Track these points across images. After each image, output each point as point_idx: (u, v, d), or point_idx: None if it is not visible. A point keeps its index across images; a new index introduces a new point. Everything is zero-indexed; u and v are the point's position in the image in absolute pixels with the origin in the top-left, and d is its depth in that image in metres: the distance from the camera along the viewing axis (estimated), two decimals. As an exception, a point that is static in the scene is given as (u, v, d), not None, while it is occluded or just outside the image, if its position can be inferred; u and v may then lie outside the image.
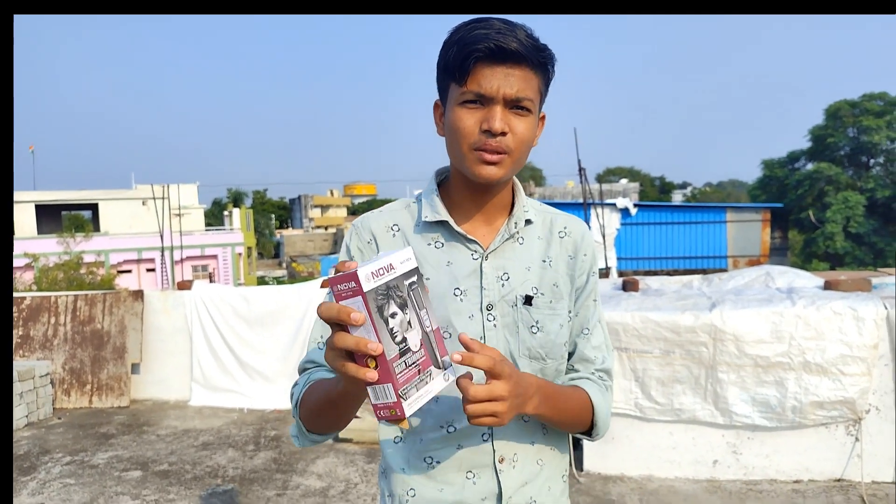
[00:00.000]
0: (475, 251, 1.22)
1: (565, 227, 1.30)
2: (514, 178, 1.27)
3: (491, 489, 1.21)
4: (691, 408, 4.17)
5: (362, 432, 5.20)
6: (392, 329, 0.90)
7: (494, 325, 1.20)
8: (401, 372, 0.90)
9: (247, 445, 5.32)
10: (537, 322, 1.22)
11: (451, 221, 1.21)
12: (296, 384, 1.24)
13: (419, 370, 0.94)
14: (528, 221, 1.27)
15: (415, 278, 0.96)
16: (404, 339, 0.92)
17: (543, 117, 1.23)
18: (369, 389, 0.91)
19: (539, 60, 1.11)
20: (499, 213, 1.25)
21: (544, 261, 1.26)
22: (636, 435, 4.34)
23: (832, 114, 31.28)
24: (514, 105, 1.11)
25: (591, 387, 1.27)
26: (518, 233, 1.26)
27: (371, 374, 0.87)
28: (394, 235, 1.24)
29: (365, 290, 0.86)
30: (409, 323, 0.93)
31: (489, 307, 1.20)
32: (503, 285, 1.21)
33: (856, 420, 4.03)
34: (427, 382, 0.95)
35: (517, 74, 1.09)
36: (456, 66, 1.10)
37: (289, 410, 6.29)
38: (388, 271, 0.91)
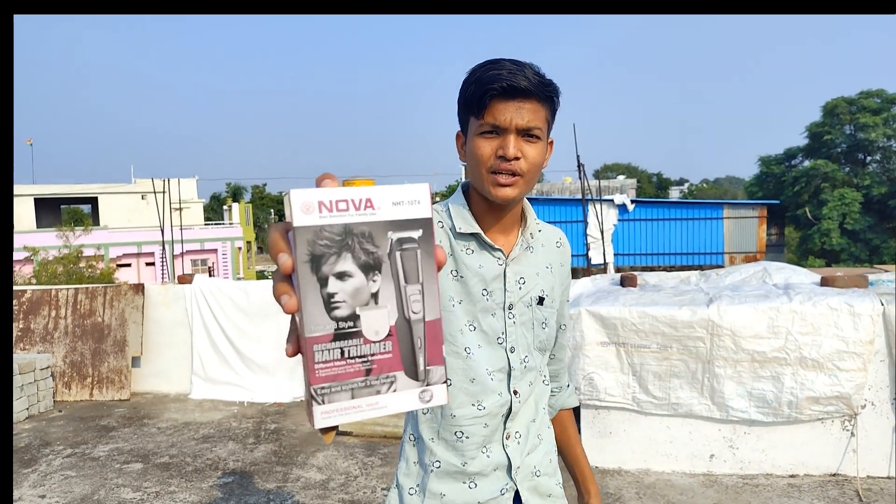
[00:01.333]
0: (499, 258, 1.40)
1: (560, 239, 1.55)
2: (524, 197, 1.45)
3: (501, 461, 1.40)
4: (688, 402, 4.21)
5: (362, 425, 5.24)
6: (331, 296, 0.58)
7: (514, 323, 1.39)
8: (326, 362, 0.59)
9: (247, 438, 5.36)
10: (545, 319, 1.45)
11: (483, 234, 1.38)
12: None
13: (369, 370, 0.61)
14: (538, 232, 1.48)
15: (415, 234, 0.62)
16: (351, 318, 0.59)
17: (551, 142, 1.41)
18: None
19: (546, 94, 1.30)
20: (513, 226, 1.44)
21: (547, 267, 1.48)
22: (633, 429, 4.38)
23: (829, 111, 31.31)
24: (525, 133, 1.30)
25: (570, 414, 1.71)
26: (531, 243, 1.46)
27: (290, 302, 0.57)
28: (441, 228, 1.40)
29: (295, 224, 0.57)
30: (372, 296, 0.60)
31: (510, 307, 1.39)
32: (520, 288, 1.41)
33: (851, 415, 4.07)
34: (380, 392, 0.61)
35: (527, 107, 1.28)
36: (474, 102, 1.29)
37: (289, 403, 6.33)
38: (356, 207, 0.59)
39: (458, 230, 1.38)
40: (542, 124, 1.30)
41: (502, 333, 1.38)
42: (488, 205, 1.38)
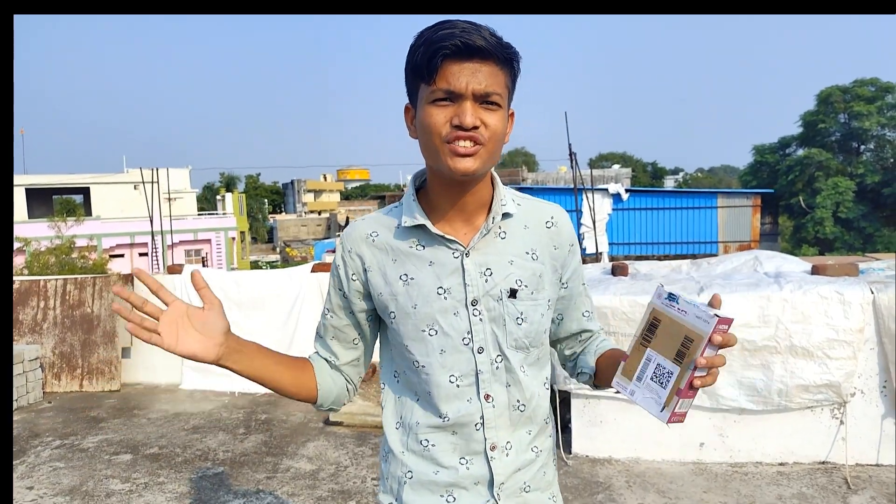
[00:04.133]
0: (456, 250, 1.25)
1: (552, 218, 1.34)
2: (493, 171, 1.29)
3: (483, 475, 1.28)
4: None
5: (352, 416, 5.22)
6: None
7: (480, 320, 1.25)
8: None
9: (237, 429, 5.34)
10: (522, 313, 1.27)
11: (429, 224, 1.24)
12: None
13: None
14: (506, 215, 1.29)
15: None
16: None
17: (512, 114, 1.26)
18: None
19: (505, 56, 1.15)
20: (479, 211, 1.28)
21: (527, 252, 1.29)
22: (623, 418, 4.38)
23: (823, 99, 31.35)
24: (484, 100, 1.14)
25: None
26: (499, 227, 1.29)
27: None
28: (373, 241, 1.30)
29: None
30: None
31: (474, 303, 1.24)
32: (486, 280, 1.25)
33: (841, 403, 4.07)
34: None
35: (485, 70, 1.13)
36: (424, 65, 1.13)
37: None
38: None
39: (403, 225, 1.26)
40: (501, 90, 1.15)
41: (467, 333, 1.24)
42: (447, 187, 1.23)
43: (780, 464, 4.18)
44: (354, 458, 4.61)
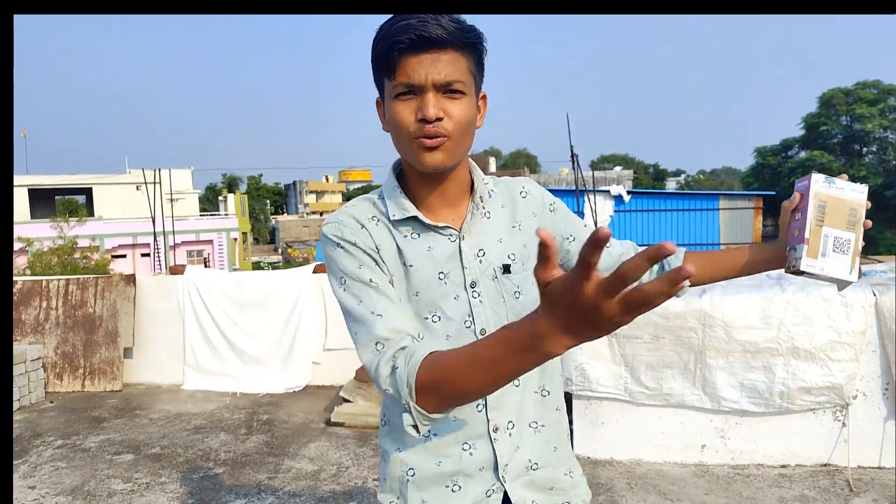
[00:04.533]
0: (450, 235, 1.26)
1: (524, 188, 1.37)
2: (468, 157, 1.29)
3: (487, 458, 1.24)
4: (680, 393, 4.20)
5: (353, 416, 5.23)
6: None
7: (480, 301, 1.24)
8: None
9: (239, 429, 5.34)
10: (518, 287, 1.27)
11: (420, 215, 1.24)
12: (389, 369, 1.10)
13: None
14: (489, 194, 1.31)
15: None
16: None
17: (484, 97, 1.26)
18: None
19: (465, 41, 1.14)
20: (461, 196, 1.29)
21: (513, 226, 1.31)
22: (625, 419, 4.37)
23: (825, 102, 31.32)
24: (446, 90, 1.14)
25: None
26: (483, 208, 1.30)
27: None
28: (377, 223, 1.25)
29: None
30: None
31: (473, 285, 1.24)
32: (481, 262, 1.26)
33: (843, 406, 4.07)
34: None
35: (444, 59, 1.12)
36: (383, 60, 1.14)
37: (281, 394, 6.30)
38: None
39: (392, 218, 1.24)
40: (463, 77, 1.14)
41: (469, 316, 1.23)
42: (425, 179, 1.24)
43: (782, 466, 4.17)
44: (356, 458, 4.61)
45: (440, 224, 1.25)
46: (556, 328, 0.80)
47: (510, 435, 1.25)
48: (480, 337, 1.20)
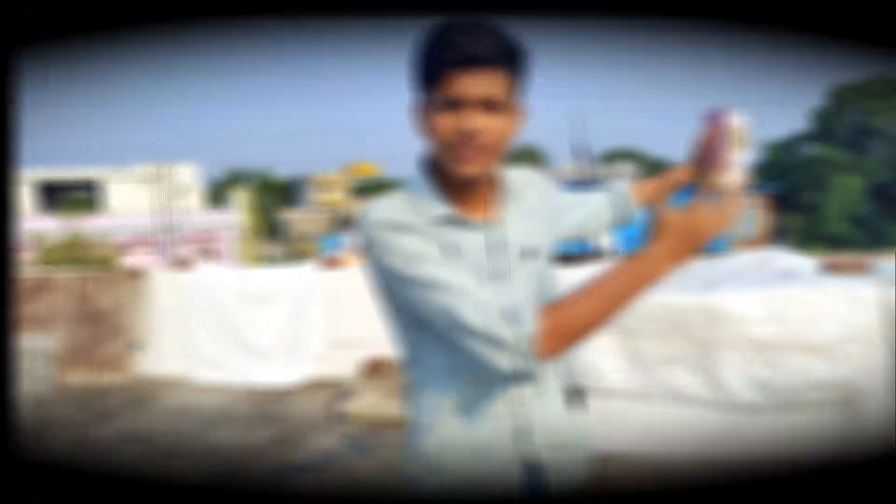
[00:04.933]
0: (483, 228, 1.34)
1: (534, 178, 1.50)
2: None
3: (521, 425, 1.34)
4: (686, 387, 4.20)
5: (360, 409, 5.24)
6: None
7: (512, 286, 1.34)
8: None
9: (246, 422, 5.37)
10: (543, 271, 1.42)
11: (456, 213, 1.32)
12: (504, 322, 1.18)
13: None
14: (513, 185, 1.42)
15: None
16: None
17: (523, 110, 1.32)
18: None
19: (506, 58, 1.21)
20: (488, 190, 1.37)
21: (528, 213, 1.42)
22: (630, 414, 4.37)
23: (835, 96, 31.14)
24: (486, 104, 1.20)
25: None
26: (510, 199, 1.40)
27: None
28: (416, 217, 1.30)
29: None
30: None
31: (505, 272, 1.34)
32: (509, 250, 1.36)
33: (850, 401, 4.06)
34: None
35: (488, 76, 1.19)
36: (427, 74, 1.22)
37: (288, 388, 6.31)
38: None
39: (432, 214, 1.30)
40: (502, 93, 1.21)
41: (504, 300, 1.27)
42: (458, 180, 1.31)
43: (790, 461, 4.17)
44: (365, 452, 4.63)
45: (474, 218, 1.33)
46: (665, 252, 1.17)
47: (543, 403, 1.36)
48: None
